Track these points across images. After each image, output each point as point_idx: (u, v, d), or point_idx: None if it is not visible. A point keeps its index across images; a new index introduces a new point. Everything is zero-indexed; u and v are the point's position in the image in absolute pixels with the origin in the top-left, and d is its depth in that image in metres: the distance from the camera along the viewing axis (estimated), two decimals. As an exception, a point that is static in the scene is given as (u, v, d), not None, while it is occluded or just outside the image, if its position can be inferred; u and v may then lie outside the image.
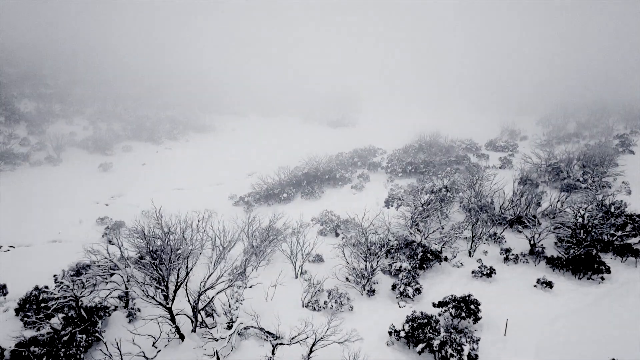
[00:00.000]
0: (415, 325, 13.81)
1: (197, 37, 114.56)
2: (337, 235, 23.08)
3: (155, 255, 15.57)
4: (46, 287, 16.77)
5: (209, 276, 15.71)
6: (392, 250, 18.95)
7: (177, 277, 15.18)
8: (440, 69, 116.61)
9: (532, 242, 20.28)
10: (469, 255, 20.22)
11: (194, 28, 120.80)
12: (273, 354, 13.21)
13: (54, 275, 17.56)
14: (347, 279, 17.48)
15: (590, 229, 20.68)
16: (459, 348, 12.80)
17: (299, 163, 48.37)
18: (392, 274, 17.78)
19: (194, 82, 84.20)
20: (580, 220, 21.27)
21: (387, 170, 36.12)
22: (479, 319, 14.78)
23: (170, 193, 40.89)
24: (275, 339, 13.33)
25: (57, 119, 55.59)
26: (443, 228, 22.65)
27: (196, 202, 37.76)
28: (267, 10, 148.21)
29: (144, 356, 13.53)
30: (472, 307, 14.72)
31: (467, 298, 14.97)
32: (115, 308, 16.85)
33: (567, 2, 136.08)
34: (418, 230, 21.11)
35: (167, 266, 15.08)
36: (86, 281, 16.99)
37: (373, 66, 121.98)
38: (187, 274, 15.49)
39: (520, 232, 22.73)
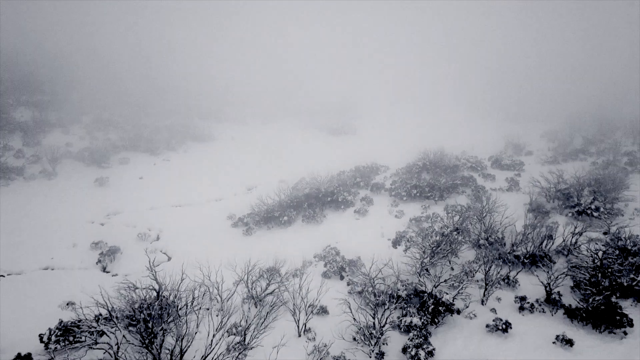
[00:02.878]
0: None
1: (193, 42, 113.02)
2: (342, 278, 22.01)
3: (147, 321, 14.44)
4: (29, 354, 15.51)
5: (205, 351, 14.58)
6: (402, 301, 17.90)
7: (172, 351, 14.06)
8: (438, 73, 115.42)
9: (548, 288, 19.26)
10: (482, 304, 19.15)
11: (190, 32, 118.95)
12: None
13: (40, 335, 16.41)
14: (354, 338, 16.42)
15: (608, 273, 19.67)
16: None
17: (298, 179, 47.41)
18: (402, 329, 16.74)
19: (192, 87, 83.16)
20: (597, 262, 20.27)
21: (391, 193, 35.02)
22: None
23: (168, 211, 39.73)
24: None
25: (53, 128, 54.41)
26: (453, 269, 21.65)
27: (194, 223, 36.83)
28: (262, 12, 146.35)
29: None
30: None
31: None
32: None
33: (571, 3, 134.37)
34: (428, 272, 20.13)
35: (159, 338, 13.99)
36: (74, 342, 15.84)
37: (372, 71, 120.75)
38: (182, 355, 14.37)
39: (533, 273, 21.69)
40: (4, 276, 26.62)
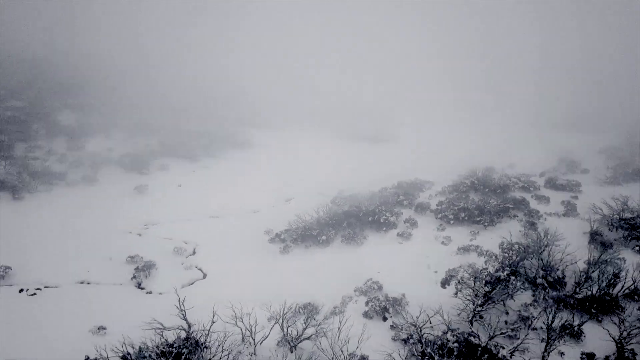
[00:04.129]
0: None
1: (227, 44, 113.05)
2: (384, 319, 20.42)
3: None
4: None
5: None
6: (453, 358, 16.17)
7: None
8: (473, 75, 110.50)
9: (619, 344, 17.12)
10: (542, 360, 17.19)
11: (226, 33, 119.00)
12: None
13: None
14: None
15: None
16: None
17: (337, 191, 46.01)
18: (454, 391, 15.10)
19: (231, 92, 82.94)
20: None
21: (436, 215, 33.05)
22: None
23: (205, 222, 39.10)
24: None
25: (96, 132, 55.05)
26: (507, 313, 19.73)
27: (231, 236, 36.00)
28: (292, 14, 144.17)
29: None
30: None
31: None
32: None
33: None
34: (481, 318, 18.34)
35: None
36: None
37: (407, 74, 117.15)
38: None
39: (600, 321, 19.47)
40: (40, 289, 26.47)
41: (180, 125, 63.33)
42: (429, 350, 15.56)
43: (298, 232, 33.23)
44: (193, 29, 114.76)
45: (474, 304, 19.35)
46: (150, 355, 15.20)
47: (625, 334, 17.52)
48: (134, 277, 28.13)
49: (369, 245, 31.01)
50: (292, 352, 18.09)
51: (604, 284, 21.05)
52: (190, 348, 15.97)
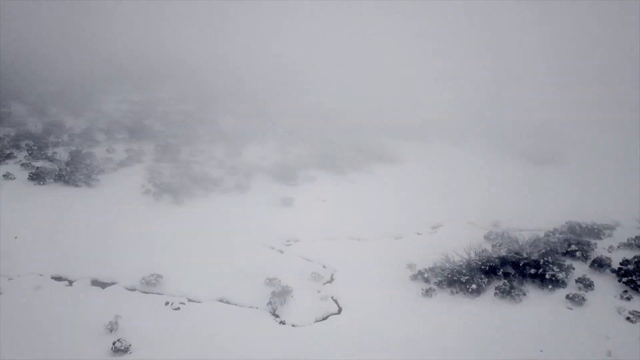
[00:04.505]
0: None
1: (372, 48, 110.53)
2: None
3: None
4: None
5: None
6: None
7: None
8: None
9: None
10: None
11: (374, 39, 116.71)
12: None
13: None
14: None
15: None
16: None
17: (490, 222, 41.31)
18: None
19: (379, 101, 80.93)
20: None
21: (619, 277, 26.88)
22: None
23: (344, 244, 37.70)
24: None
25: (252, 139, 57.75)
26: None
27: (371, 264, 34.01)
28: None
29: None
30: None
31: None
32: None
33: None
34: None
35: None
36: None
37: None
38: None
39: None
40: (184, 303, 27.41)
41: (328, 136, 63.39)
42: None
43: (444, 274, 29.90)
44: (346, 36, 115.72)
45: None
46: None
47: None
48: (270, 302, 27.69)
49: (528, 305, 26.35)
50: None
51: None
52: None
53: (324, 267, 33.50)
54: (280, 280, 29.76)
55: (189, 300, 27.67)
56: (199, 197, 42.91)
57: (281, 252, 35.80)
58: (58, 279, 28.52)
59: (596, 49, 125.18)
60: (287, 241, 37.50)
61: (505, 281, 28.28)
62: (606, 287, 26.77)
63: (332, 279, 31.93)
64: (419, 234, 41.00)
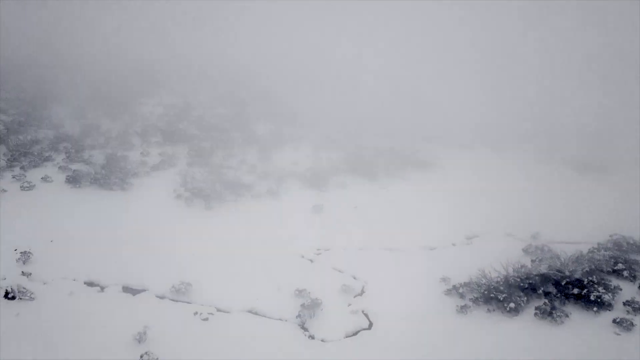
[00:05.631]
0: None
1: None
2: None
3: None
4: None
5: None
6: None
7: None
8: None
9: None
10: None
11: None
12: None
13: None
14: None
15: None
16: None
17: (530, 234, 39.44)
18: None
19: (417, 102, 78.95)
20: None
21: (673, 302, 25.06)
22: None
23: (376, 255, 36.72)
24: None
25: (284, 144, 57.35)
26: None
27: (403, 276, 32.96)
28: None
29: None
30: None
31: None
32: None
33: None
34: None
35: None
36: None
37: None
38: None
39: None
40: (212, 314, 27.16)
41: (361, 140, 62.26)
42: None
43: (480, 291, 28.62)
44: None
45: None
46: None
47: None
48: (299, 315, 27.14)
49: (570, 328, 24.78)
50: None
51: None
52: None
53: (355, 278, 32.76)
54: (309, 292, 29.17)
55: (218, 310, 27.46)
56: (230, 202, 42.82)
57: (311, 261, 35.24)
58: (90, 284, 28.91)
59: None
60: (317, 249, 36.87)
61: (546, 301, 26.77)
62: (658, 311, 24.99)
63: (362, 291, 31.11)
64: (453, 244, 39.57)
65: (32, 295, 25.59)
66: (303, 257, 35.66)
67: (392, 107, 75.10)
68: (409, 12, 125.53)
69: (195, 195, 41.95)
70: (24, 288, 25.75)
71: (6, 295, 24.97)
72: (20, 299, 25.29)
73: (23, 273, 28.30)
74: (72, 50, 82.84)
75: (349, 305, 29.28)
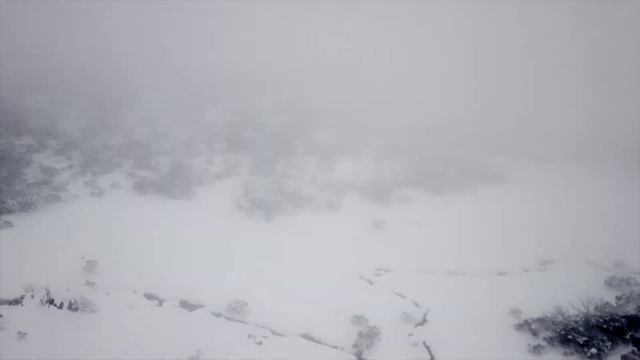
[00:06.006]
0: None
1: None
2: None
3: None
4: None
5: None
6: None
7: None
8: None
9: None
10: None
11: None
12: None
13: None
14: None
15: None
16: None
17: (612, 263, 35.70)
18: None
19: (489, 112, 74.91)
20: None
21: None
22: None
23: (439, 278, 34.53)
24: None
25: (346, 154, 56.21)
26: None
27: (470, 306, 30.46)
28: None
29: None
30: None
31: None
32: None
33: None
34: None
35: None
36: None
37: None
38: None
39: None
40: (267, 337, 26.42)
41: (429, 151, 59.84)
42: None
43: (556, 330, 25.89)
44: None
45: None
46: None
47: None
48: (356, 345, 25.78)
49: (668, 385, 21.80)
50: None
51: None
52: None
53: (416, 304, 30.86)
54: (368, 320, 27.66)
55: (273, 333, 26.60)
56: (289, 214, 42.33)
57: (370, 282, 33.74)
58: (150, 297, 29.05)
59: None
60: (378, 270, 35.29)
61: (635, 349, 23.64)
62: None
63: (424, 320, 29.17)
64: (525, 270, 36.55)
65: (93, 308, 25.98)
66: (362, 277, 34.26)
67: (464, 117, 71.73)
68: (471, 15, 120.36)
69: (257, 206, 41.78)
70: (87, 299, 26.20)
71: (70, 307, 25.44)
72: (83, 310, 25.71)
73: (87, 282, 28.85)
74: (149, 57, 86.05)
75: (410, 335, 27.44)
